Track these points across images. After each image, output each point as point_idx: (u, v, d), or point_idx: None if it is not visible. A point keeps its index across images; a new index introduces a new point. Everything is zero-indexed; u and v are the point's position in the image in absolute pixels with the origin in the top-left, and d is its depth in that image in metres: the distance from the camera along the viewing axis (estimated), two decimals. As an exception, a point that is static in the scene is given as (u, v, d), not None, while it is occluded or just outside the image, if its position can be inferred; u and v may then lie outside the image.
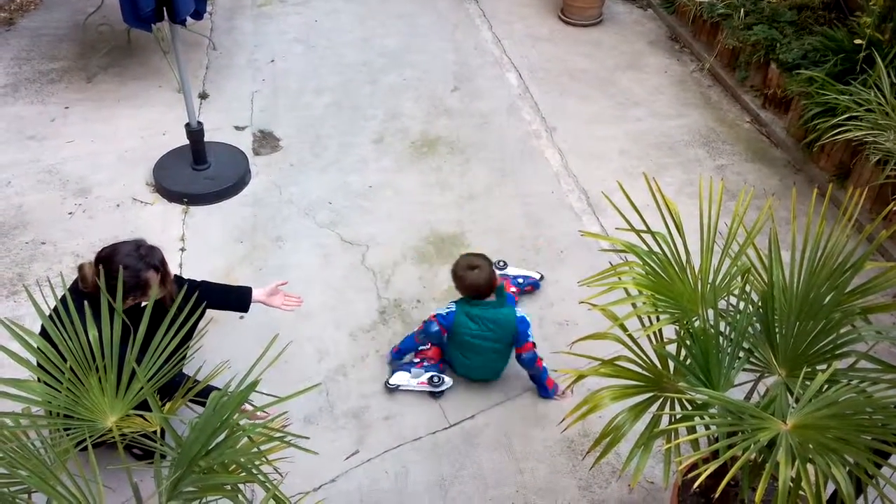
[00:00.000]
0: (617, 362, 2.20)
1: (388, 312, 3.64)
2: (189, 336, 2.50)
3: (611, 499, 2.95)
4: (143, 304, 2.65)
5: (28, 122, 4.74)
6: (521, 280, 3.69)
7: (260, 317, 3.45)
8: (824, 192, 3.54)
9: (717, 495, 2.13)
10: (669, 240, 2.33)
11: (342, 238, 4.04)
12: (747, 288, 2.28)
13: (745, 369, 2.25)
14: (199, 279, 3.04)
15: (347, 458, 3.05)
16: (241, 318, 3.40)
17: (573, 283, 3.58)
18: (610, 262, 2.56)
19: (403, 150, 4.67)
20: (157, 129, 4.72)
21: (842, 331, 2.13)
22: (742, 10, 5.23)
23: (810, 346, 2.15)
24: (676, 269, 2.31)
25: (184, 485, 1.90)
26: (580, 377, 2.21)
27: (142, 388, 2.08)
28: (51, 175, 4.35)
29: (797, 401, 2.03)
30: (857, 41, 4.35)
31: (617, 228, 2.52)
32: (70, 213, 4.11)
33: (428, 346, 3.32)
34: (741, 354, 2.23)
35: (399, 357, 3.34)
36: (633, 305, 2.24)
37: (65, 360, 2.10)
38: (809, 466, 1.85)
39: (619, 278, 2.30)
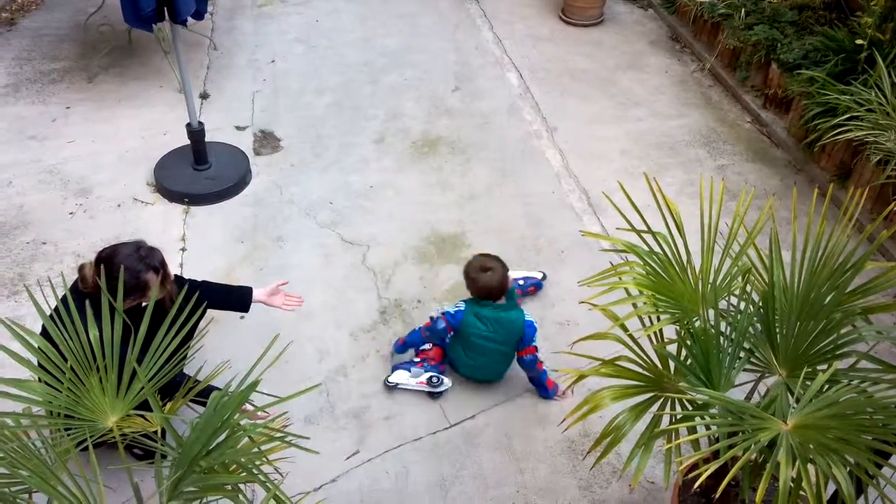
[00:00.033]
0: (617, 362, 2.20)
1: (389, 312, 3.64)
2: (190, 336, 2.50)
3: (611, 499, 2.95)
4: (144, 304, 2.65)
5: (29, 122, 4.74)
6: (521, 282, 3.68)
7: (260, 317, 3.45)
8: (825, 192, 3.55)
9: (717, 495, 2.14)
10: (670, 240, 2.33)
11: (343, 238, 4.04)
12: (748, 288, 2.28)
13: (745, 369, 2.24)
14: (199, 279, 3.04)
15: (348, 458, 3.05)
16: (242, 318, 3.41)
17: (574, 283, 3.58)
18: (610, 262, 2.56)
19: (404, 150, 4.68)
20: (158, 129, 4.72)
21: (842, 331, 2.13)
22: (743, 10, 5.22)
23: (811, 346, 2.15)
24: (677, 269, 2.31)
25: (184, 485, 1.90)
26: (581, 377, 2.22)
27: (142, 388, 2.09)
28: (52, 175, 4.36)
29: (798, 401, 2.03)
30: (858, 41, 4.35)
31: (618, 228, 2.52)
32: (71, 213, 4.12)
33: (430, 347, 3.33)
34: (742, 354, 2.23)
35: (403, 350, 3.34)
36: (634, 305, 2.24)
37: (65, 360, 2.10)
38: (810, 466, 1.85)
39: (620, 278, 2.30)
